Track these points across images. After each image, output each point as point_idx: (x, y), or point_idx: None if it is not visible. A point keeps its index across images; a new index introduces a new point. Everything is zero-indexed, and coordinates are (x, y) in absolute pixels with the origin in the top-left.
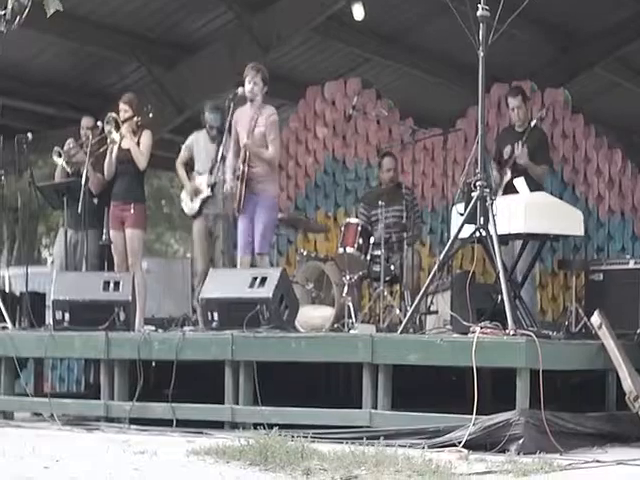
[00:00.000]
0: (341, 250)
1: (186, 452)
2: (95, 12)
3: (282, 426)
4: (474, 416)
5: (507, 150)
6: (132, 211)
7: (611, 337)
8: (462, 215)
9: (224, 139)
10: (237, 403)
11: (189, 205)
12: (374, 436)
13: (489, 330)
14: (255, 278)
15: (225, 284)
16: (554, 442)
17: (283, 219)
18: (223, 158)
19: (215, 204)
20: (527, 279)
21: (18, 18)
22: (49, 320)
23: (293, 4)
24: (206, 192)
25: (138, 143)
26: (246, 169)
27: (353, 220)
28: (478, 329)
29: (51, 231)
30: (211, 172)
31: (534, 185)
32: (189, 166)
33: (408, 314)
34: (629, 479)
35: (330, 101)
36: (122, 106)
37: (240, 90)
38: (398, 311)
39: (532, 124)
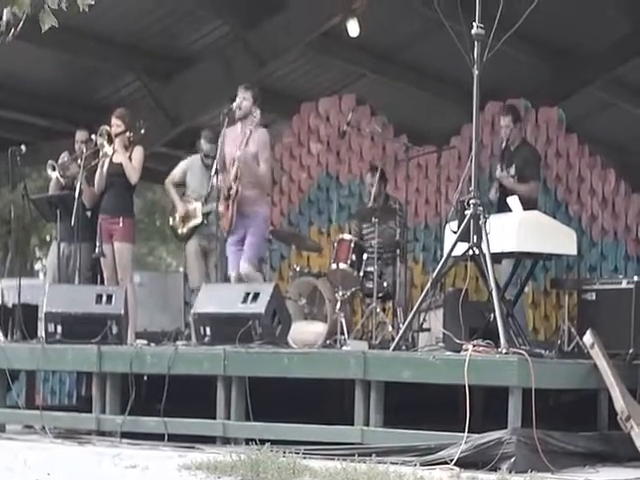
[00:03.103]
0: (334, 266)
1: (178, 467)
2: (90, 24)
3: (274, 442)
4: (466, 434)
5: (498, 170)
6: (121, 224)
7: (603, 357)
8: (455, 233)
9: (215, 166)
10: (229, 418)
11: (179, 229)
12: (366, 453)
13: (481, 348)
14: (248, 293)
15: (218, 299)
16: (546, 461)
17: (276, 231)
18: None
19: (208, 228)
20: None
21: (13, 30)
22: (41, 332)
23: (289, 20)
24: (199, 219)
25: (130, 158)
26: (238, 187)
27: (346, 236)
28: (470, 347)
29: (44, 243)
30: (206, 201)
31: (524, 203)
32: (178, 188)
33: (401, 331)
34: None
35: (324, 117)
36: (114, 121)
37: (234, 105)
38: (391, 328)
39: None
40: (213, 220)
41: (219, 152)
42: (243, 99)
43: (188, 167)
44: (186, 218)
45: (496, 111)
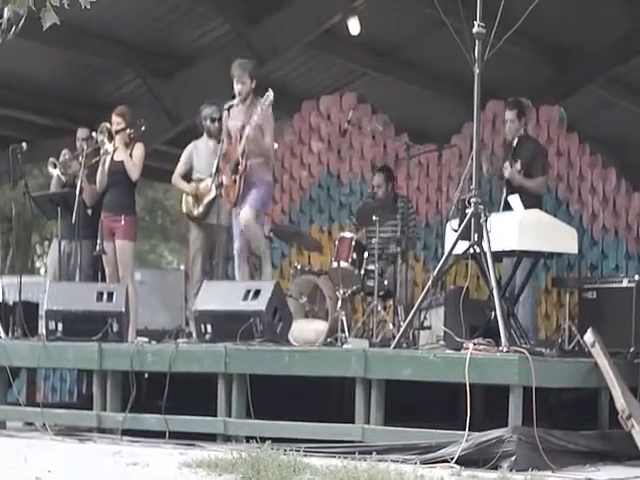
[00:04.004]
0: (335, 264)
1: (178, 464)
2: (92, 23)
3: (275, 439)
4: (467, 432)
5: (506, 165)
6: (122, 222)
7: (604, 355)
8: (456, 231)
9: (220, 147)
10: (230, 416)
11: (195, 210)
12: (366, 451)
13: (482, 346)
14: (249, 291)
15: (219, 296)
16: (546, 459)
17: (277, 228)
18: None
19: (219, 210)
20: (522, 296)
21: (14, 28)
22: (42, 330)
23: (290, 18)
24: (212, 193)
25: (130, 155)
26: (247, 162)
27: (347, 234)
28: (471, 345)
29: (45, 241)
30: (217, 171)
31: (531, 199)
32: (186, 178)
33: (401, 329)
34: None
35: (325, 115)
36: (115, 118)
37: (235, 102)
38: (391, 326)
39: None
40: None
41: (225, 136)
42: (242, 83)
43: (193, 149)
44: (199, 198)
45: (497, 109)
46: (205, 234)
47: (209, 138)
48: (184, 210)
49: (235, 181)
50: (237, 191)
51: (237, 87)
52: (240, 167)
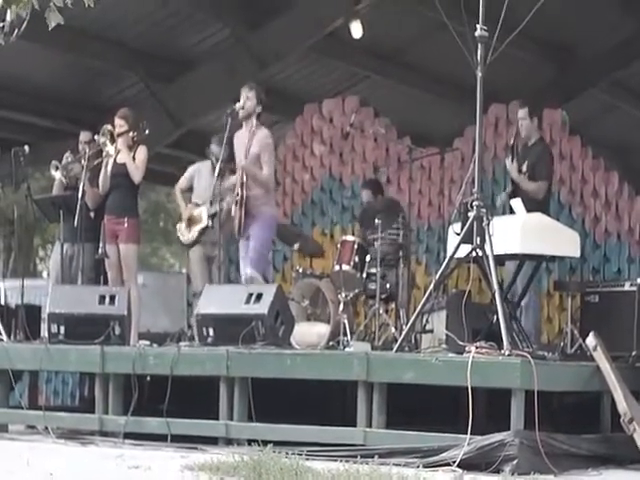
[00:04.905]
0: (337, 267)
1: (180, 467)
2: (93, 25)
3: (276, 443)
4: (469, 436)
5: (507, 160)
6: (125, 225)
7: (606, 359)
8: (458, 235)
9: (221, 156)
10: (232, 419)
11: (186, 235)
12: (368, 454)
13: (484, 350)
14: (251, 294)
15: (221, 300)
16: (548, 463)
17: (280, 229)
18: (221, 175)
19: (214, 234)
20: (525, 299)
21: (16, 30)
22: (44, 333)
23: (291, 22)
24: (205, 222)
25: (133, 158)
26: (244, 193)
27: (349, 237)
28: (473, 349)
29: (47, 244)
30: (212, 203)
31: (536, 203)
32: (185, 195)
33: (403, 333)
34: None
35: (328, 118)
36: (118, 121)
37: (237, 105)
38: (393, 329)
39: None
40: (217, 222)
41: (223, 153)
42: (247, 99)
43: (195, 172)
44: (191, 223)
45: (499, 113)
46: (204, 249)
47: (213, 170)
48: (177, 232)
49: (236, 212)
50: (238, 222)
51: (240, 102)
52: (238, 198)
